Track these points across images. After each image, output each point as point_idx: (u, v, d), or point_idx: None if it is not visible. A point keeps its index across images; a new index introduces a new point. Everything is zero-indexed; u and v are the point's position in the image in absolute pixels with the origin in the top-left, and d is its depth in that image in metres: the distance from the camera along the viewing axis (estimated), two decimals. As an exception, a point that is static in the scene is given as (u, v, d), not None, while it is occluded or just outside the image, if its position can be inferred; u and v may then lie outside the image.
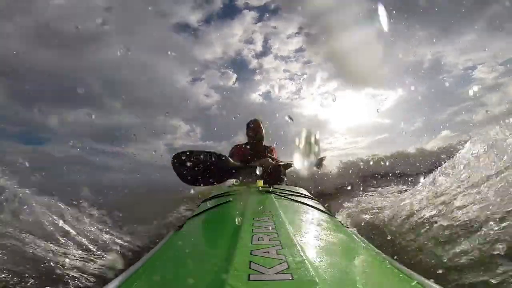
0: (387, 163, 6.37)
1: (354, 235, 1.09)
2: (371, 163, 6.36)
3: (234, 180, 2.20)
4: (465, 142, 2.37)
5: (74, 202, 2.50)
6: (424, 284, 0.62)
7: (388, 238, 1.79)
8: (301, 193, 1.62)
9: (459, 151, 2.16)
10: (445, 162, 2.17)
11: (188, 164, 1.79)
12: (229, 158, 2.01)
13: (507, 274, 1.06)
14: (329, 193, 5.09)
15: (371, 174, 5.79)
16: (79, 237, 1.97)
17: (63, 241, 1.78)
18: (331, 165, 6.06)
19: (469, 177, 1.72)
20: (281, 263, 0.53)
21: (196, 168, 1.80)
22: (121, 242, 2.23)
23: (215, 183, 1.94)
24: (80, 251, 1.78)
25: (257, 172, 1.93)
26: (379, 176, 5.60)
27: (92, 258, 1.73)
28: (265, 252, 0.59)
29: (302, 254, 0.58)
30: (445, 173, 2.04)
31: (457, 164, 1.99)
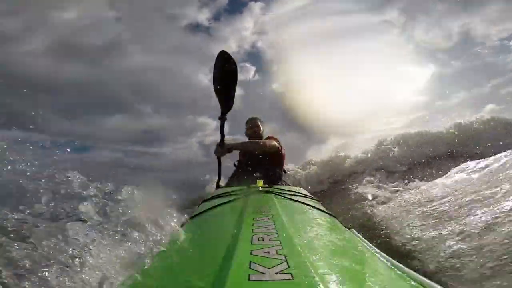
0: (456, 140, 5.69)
1: (354, 235, 1.09)
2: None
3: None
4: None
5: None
6: (424, 284, 0.62)
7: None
8: (302, 193, 1.62)
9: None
10: None
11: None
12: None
13: None
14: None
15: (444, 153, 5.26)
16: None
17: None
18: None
19: None
20: (281, 263, 0.53)
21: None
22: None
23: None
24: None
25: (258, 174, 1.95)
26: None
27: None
28: (265, 252, 0.59)
29: (302, 254, 0.58)
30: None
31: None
